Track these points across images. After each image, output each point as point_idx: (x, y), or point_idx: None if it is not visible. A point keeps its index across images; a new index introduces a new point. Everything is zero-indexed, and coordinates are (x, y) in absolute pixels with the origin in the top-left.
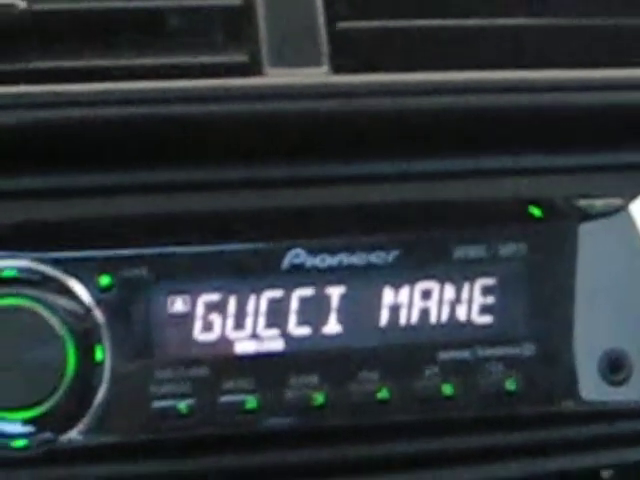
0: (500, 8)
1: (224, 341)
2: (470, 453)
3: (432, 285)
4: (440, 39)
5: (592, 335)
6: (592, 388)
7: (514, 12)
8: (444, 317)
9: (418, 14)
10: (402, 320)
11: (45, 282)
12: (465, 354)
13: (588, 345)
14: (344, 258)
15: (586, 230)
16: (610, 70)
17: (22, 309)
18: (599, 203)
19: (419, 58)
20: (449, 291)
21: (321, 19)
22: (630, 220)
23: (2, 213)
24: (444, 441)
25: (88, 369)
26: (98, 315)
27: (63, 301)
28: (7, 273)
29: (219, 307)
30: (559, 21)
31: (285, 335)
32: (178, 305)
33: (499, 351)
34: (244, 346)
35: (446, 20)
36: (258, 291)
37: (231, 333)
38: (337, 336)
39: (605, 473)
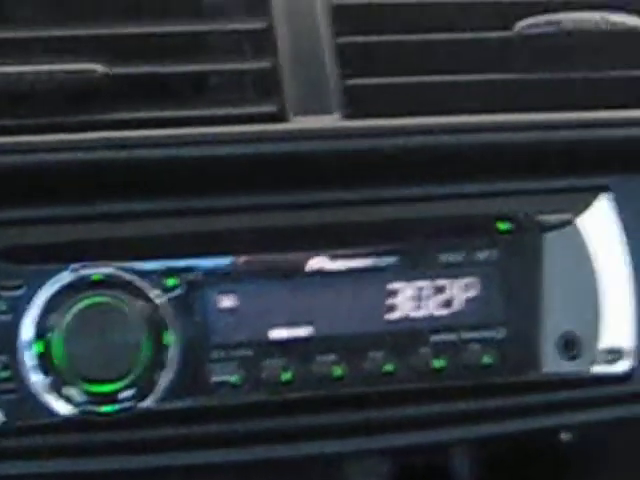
0: (488, 65)
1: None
2: (456, 416)
3: (424, 283)
4: (432, 91)
5: (551, 321)
6: (551, 362)
7: (501, 68)
8: (434, 308)
9: (415, 71)
10: (402, 311)
11: (124, 285)
12: (452, 337)
13: (548, 328)
14: (356, 263)
15: (545, 239)
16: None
17: (108, 305)
18: (553, 218)
19: (411, 107)
20: (438, 287)
21: (334, 77)
22: (578, 231)
23: (93, 232)
24: (435, 406)
25: (158, 351)
26: (165, 309)
27: (138, 299)
28: (96, 277)
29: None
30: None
31: (313, 324)
32: (226, 302)
33: (478, 334)
34: (278, 333)
35: (437, 76)
36: (290, 290)
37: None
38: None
39: (564, 435)
